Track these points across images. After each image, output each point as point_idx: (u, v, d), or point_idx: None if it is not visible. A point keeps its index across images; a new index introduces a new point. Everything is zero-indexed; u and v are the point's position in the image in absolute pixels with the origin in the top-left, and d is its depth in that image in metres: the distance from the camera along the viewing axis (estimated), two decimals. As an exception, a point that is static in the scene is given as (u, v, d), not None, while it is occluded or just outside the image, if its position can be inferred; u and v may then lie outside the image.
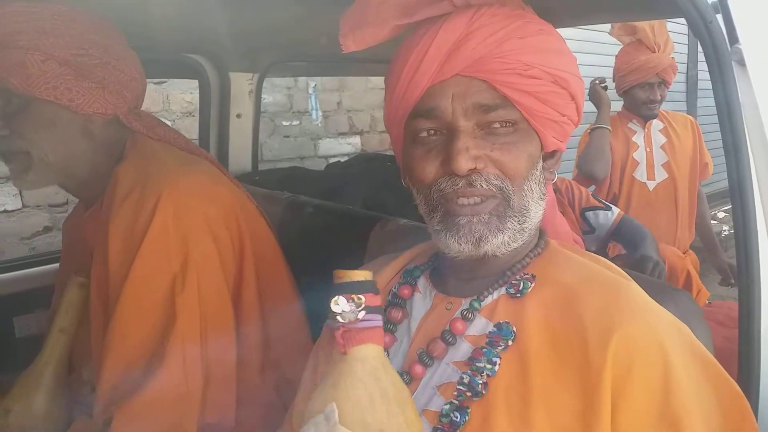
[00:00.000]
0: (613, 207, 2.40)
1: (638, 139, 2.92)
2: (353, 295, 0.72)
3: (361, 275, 0.74)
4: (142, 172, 1.23)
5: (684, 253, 2.88)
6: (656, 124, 2.94)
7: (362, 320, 0.72)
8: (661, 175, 2.90)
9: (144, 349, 1.14)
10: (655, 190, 2.90)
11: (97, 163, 1.30)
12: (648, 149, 2.91)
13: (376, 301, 0.74)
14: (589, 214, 2.36)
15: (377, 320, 0.73)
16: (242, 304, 1.30)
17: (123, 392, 1.12)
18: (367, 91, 4.66)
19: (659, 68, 2.75)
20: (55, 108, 1.21)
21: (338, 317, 0.72)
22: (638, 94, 2.83)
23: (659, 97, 2.83)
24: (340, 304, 0.72)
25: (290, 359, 1.32)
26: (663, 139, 2.92)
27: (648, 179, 2.90)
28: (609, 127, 2.76)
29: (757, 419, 0.89)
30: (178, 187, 1.21)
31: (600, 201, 2.41)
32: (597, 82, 2.82)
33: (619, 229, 2.32)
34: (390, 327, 0.92)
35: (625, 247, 2.32)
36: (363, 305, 0.72)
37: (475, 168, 0.81)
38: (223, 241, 1.26)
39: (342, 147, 4.58)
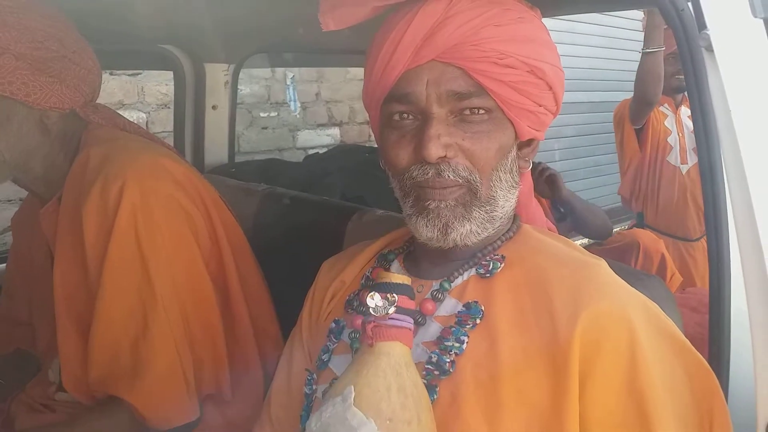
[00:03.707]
0: None
1: (670, 123, 2.96)
2: (388, 294, 0.77)
3: (399, 278, 0.79)
4: (103, 159, 1.20)
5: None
6: (685, 110, 2.97)
7: (392, 318, 0.76)
8: (693, 159, 2.91)
9: (127, 334, 1.14)
10: (687, 173, 2.93)
11: (53, 157, 1.27)
12: (680, 134, 2.94)
13: (410, 304, 0.78)
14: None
15: (408, 322, 0.77)
16: (228, 288, 1.32)
17: (116, 374, 1.13)
18: (345, 82, 4.64)
19: None
20: (11, 103, 1.17)
21: (371, 310, 0.76)
22: (666, 69, 2.83)
23: None
24: (374, 299, 0.77)
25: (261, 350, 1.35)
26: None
27: (681, 163, 2.94)
28: (662, 47, 2.62)
29: (727, 402, 0.91)
30: (142, 168, 1.19)
31: None
32: None
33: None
34: (362, 309, 0.93)
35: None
36: (395, 304, 0.76)
37: (445, 156, 0.82)
38: (195, 219, 1.25)
39: (321, 138, 4.56)
